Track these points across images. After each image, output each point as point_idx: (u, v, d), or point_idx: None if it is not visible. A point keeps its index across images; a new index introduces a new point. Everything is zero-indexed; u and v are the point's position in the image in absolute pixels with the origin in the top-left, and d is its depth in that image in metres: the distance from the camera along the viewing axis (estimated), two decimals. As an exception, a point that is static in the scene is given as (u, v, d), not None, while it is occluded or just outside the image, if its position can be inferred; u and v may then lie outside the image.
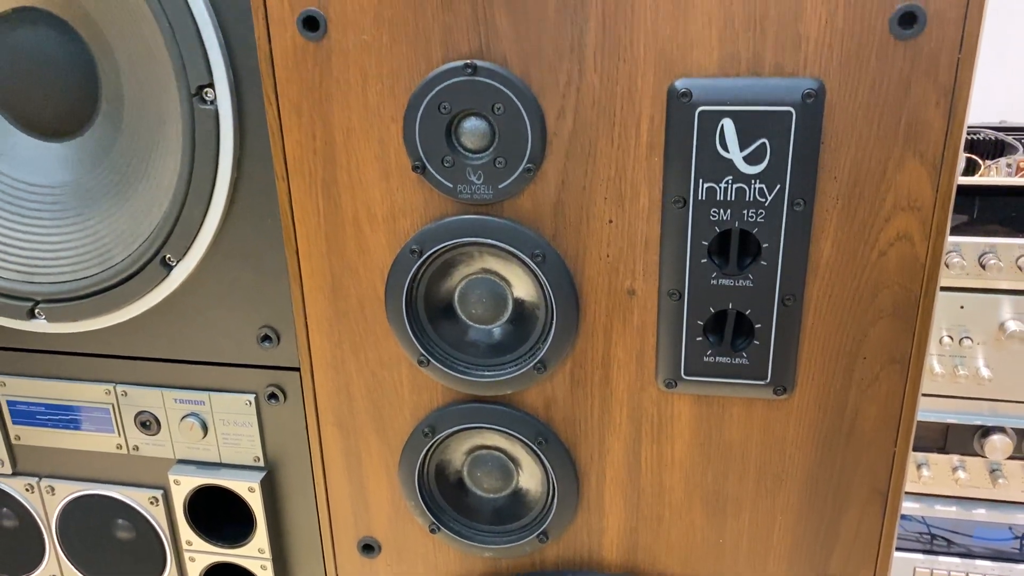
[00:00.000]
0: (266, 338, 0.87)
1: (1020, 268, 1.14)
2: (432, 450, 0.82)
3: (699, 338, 0.72)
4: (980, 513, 1.29)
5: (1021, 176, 1.25)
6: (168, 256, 0.84)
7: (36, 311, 0.90)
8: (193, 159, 0.79)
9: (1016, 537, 1.31)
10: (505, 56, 0.67)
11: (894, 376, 0.72)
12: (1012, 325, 1.16)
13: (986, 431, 1.24)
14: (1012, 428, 1.23)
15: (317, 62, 0.70)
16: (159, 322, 0.89)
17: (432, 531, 0.83)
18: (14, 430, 0.99)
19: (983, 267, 1.14)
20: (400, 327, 0.76)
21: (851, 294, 0.69)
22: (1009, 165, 1.26)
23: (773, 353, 0.72)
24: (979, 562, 1.32)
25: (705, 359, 0.73)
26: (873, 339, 0.71)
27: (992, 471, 1.27)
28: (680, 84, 0.65)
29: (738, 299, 0.70)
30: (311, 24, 0.69)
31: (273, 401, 0.90)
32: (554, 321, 0.73)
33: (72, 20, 0.83)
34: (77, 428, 0.97)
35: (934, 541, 1.33)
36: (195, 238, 0.83)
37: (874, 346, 0.71)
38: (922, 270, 0.68)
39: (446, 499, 0.84)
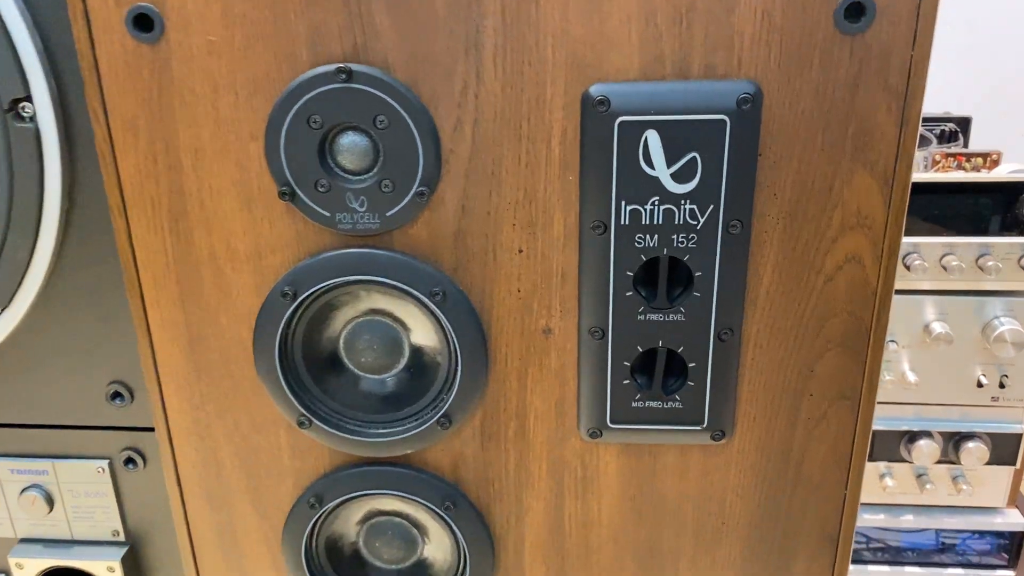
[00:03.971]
0: (116, 395, 0.74)
1: (944, 268, 1.09)
2: (320, 522, 0.70)
3: (626, 381, 0.63)
4: (907, 519, 1.25)
5: (937, 170, 1.20)
6: (-12, 305, 0.70)
7: None
8: (12, 188, 0.65)
9: (941, 542, 1.28)
10: (387, 58, 0.56)
11: (843, 413, 0.64)
12: (937, 327, 1.11)
13: (912, 436, 1.19)
14: (939, 432, 1.19)
15: (154, 69, 0.57)
16: (-16, 382, 0.75)
17: (326, 612, 0.71)
18: None
19: (907, 268, 1.09)
20: (273, 383, 0.64)
21: (795, 325, 0.61)
22: (925, 158, 1.21)
23: (710, 395, 0.63)
24: (908, 569, 1.28)
25: (633, 404, 0.63)
26: (820, 374, 0.62)
27: (919, 476, 1.22)
28: (596, 91, 0.55)
29: (669, 336, 0.61)
30: (143, 23, 0.55)
31: (131, 467, 0.77)
32: (459, 368, 0.63)
33: None
34: None
35: (866, 550, 1.28)
36: (21, 282, 0.69)
37: (821, 381, 0.63)
38: (873, 296, 0.60)
39: (339, 574, 0.72)
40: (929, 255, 1.09)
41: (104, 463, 0.77)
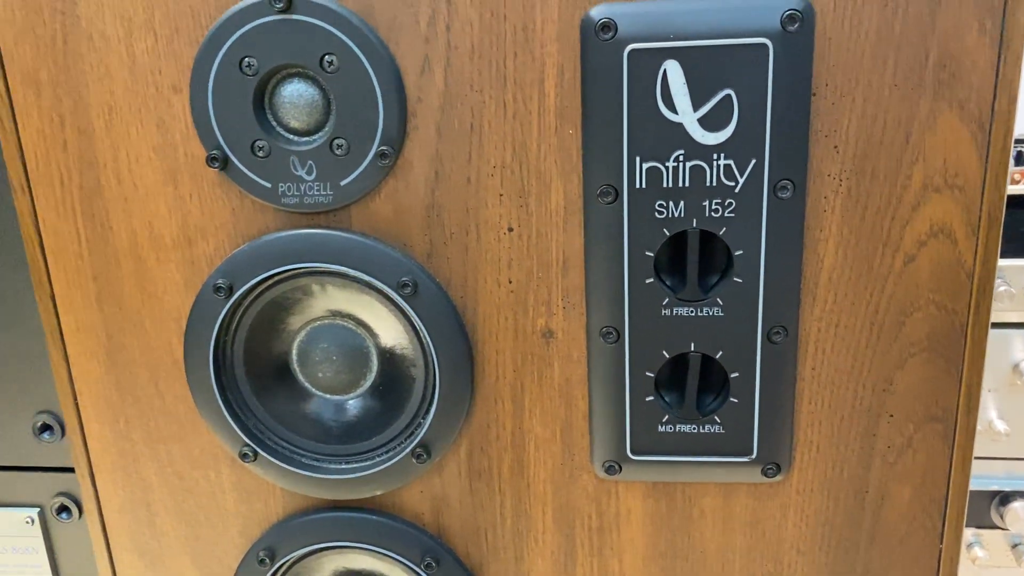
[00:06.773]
0: (45, 428, 0.62)
1: (1034, 295, 0.93)
2: (274, 582, 0.56)
3: (649, 398, 0.49)
4: (1003, 598, 1.06)
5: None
6: None
7: None
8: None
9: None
10: (335, -16, 0.45)
11: (934, 440, 0.49)
12: (1029, 366, 0.95)
13: (1005, 497, 1.02)
14: (1036, 492, 1.01)
15: (55, 9, 0.46)
16: None
17: None
18: None
19: (990, 296, 0.94)
20: (210, 405, 0.51)
21: (867, 322, 0.47)
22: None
23: (759, 415, 0.49)
24: (1006, 658, 1.08)
25: (661, 429, 0.50)
26: (902, 387, 0.48)
27: (1015, 546, 1.04)
28: (598, 12, 0.43)
29: (703, 337, 0.47)
30: (40, -52, 0.46)
31: (64, 516, 0.64)
32: (437, 383, 0.50)
33: None
34: None
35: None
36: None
37: (903, 398, 0.48)
38: (969, 280, 0.46)
39: (302, 650, 0.58)
40: (1017, 280, 0.94)
41: (34, 512, 0.65)
